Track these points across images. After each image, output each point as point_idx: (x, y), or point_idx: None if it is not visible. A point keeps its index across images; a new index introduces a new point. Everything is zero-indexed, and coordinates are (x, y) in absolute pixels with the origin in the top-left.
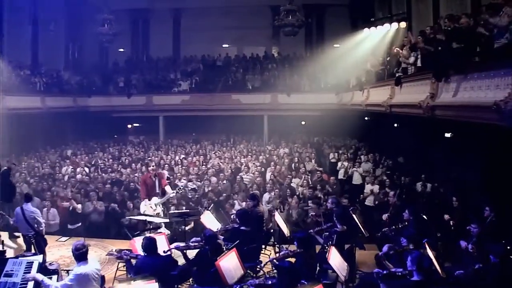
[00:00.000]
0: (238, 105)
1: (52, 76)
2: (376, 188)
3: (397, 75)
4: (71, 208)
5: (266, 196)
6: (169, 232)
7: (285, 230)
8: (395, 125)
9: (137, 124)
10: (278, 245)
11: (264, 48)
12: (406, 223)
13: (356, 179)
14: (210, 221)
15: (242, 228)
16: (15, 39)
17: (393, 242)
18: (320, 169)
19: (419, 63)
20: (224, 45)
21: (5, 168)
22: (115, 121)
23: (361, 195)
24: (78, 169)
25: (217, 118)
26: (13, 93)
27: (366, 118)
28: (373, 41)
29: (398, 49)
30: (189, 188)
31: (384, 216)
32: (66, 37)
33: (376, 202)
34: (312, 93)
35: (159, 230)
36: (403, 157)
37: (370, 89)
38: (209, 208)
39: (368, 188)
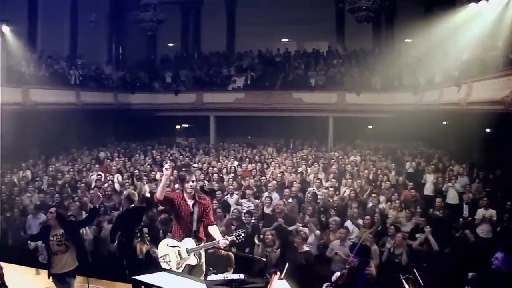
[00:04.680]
0: (300, 105)
1: (90, 70)
2: (493, 213)
3: None
4: None
5: (349, 226)
6: None
7: None
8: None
9: (186, 125)
10: None
11: (327, 43)
12: None
13: (452, 198)
14: None
15: None
16: (52, 29)
17: None
18: (411, 183)
19: None
20: (283, 40)
21: None
22: (161, 121)
23: (460, 219)
24: (108, 177)
25: (275, 119)
26: (41, 86)
27: (444, 122)
28: (471, 25)
29: None
30: (244, 209)
31: None
32: (109, 29)
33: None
34: (385, 92)
35: None
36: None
37: (472, 83)
38: (284, 273)
39: (480, 213)
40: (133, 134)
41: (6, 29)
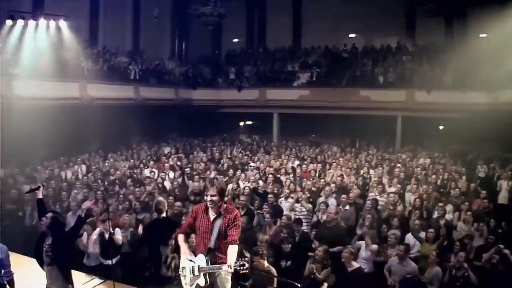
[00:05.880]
0: (367, 103)
1: (151, 65)
2: None
3: None
4: (107, 235)
5: (410, 241)
6: None
7: None
8: None
9: (250, 122)
10: None
11: (396, 39)
12: None
13: None
14: None
15: None
16: (115, 25)
17: None
18: (484, 192)
19: None
20: (350, 35)
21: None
22: (224, 117)
23: None
24: (160, 174)
25: (341, 117)
26: (99, 81)
27: None
28: None
29: None
30: (296, 215)
31: None
32: (172, 24)
33: None
34: (458, 91)
35: None
36: None
37: None
38: None
39: None
40: (195, 131)
41: (63, 24)
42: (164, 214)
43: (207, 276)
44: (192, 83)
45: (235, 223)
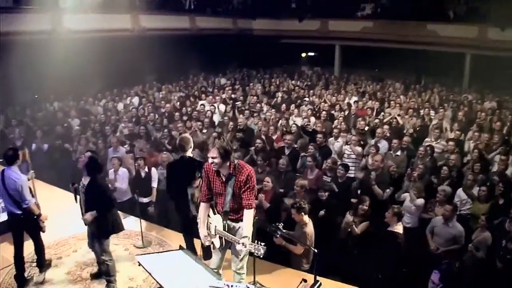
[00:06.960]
0: (434, 38)
1: None
2: None
3: None
4: (143, 172)
5: (462, 195)
6: None
7: None
8: None
9: (312, 53)
10: None
11: None
12: None
13: None
14: None
15: None
16: None
17: None
18: None
19: None
20: None
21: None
22: (285, 48)
23: None
24: (209, 107)
25: (406, 52)
26: (152, 12)
27: None
28: None
29: None
30: (344, 159)
31: None
32: None
33: None
34: None
35: None
36: None
37: None
38: None
39: None
40: (255, 61)
41: None
42: (188, 153)
43: (223, 239)
44: (251, 12)
45: (248, 185)
